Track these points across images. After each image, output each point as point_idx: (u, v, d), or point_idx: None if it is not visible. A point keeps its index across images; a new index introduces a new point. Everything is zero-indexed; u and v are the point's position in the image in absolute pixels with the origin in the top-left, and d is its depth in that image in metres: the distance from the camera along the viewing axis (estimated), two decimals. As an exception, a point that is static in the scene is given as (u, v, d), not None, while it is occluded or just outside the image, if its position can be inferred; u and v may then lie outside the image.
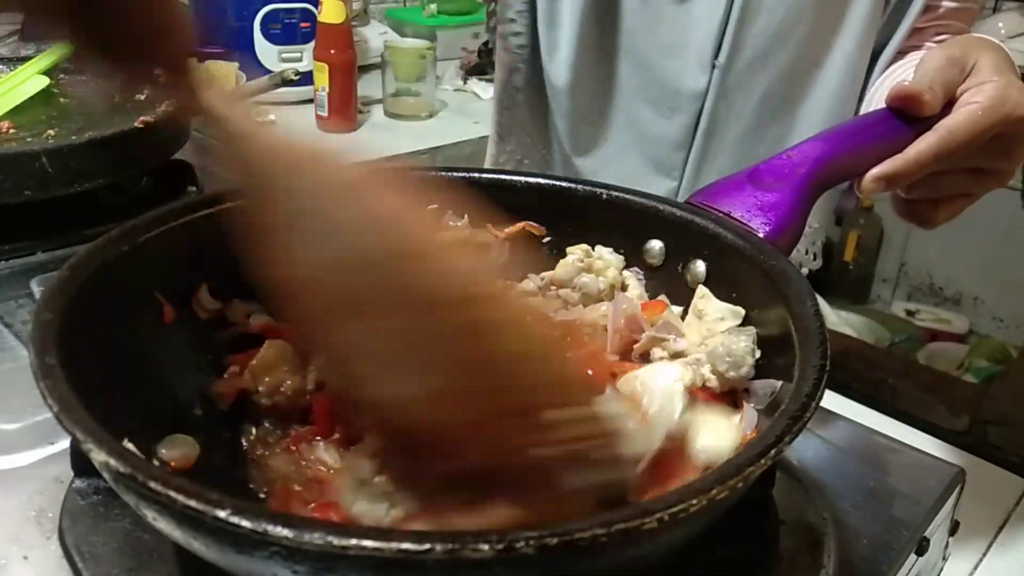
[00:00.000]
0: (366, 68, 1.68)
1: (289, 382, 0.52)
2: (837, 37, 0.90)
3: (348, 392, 0.44)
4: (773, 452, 0.37)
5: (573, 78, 0.98)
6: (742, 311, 0.54)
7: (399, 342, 0.38)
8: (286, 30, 1.65)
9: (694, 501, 0.34)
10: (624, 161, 1.01)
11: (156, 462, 0.45)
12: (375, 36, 1.90)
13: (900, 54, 0.90)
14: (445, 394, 0.38)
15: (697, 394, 0.50)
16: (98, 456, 0.34)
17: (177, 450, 0.46)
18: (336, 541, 0.31)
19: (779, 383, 0.48)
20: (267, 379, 0.52)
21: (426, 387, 0.38)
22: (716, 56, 0.91)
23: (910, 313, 2.30)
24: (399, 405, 0.39)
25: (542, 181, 0.64)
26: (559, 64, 0.98)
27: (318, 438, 0.50)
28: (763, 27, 0.89)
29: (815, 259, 1.09)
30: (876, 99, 0.91)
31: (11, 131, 0.85)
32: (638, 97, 0.97)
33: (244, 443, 0.52)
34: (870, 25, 0.89)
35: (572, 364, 0.45)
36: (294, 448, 0.50)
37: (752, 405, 0.49)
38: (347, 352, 0.40)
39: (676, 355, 0.54)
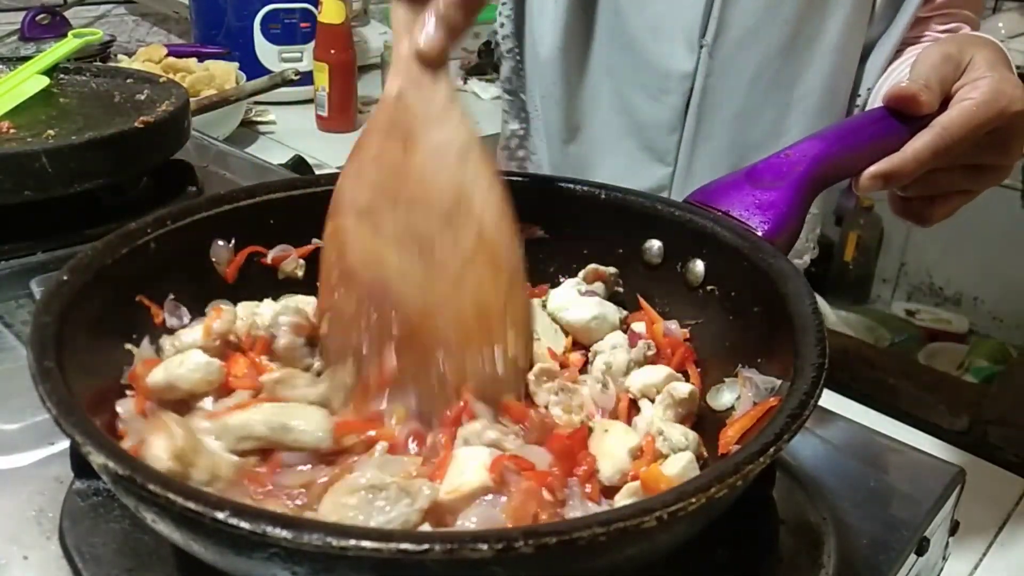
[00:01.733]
0: (366, 68, 1.68)
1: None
2: (827, 16, 0.89)
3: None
4: (772, 450, 0.37)
5: (562, 65, 0.98)
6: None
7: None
8: (286, 30, 1.65)
9: (693, 499, 0.34)
10: (617, 148, 1.01)
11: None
12: (375, 36, 1.90)
13: (903, 45, 0.90)
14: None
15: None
16: (97, 459, 0.34)
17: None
18: (335, 542, 0.31)
19: (779, 381, 0.48)
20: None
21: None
22: (703, 36, 0.91)
23: (910, 313, 2.30)
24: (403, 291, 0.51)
25: (541, 181, 0.64)
26: (547, 52, 0.98)
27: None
28: (748, 6, 0.89)
29: (814, 248, 1.09)
30: (876, 99, 0.91)
31: (11, 131, 0.85)
32: (628, 81, 0.97)
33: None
34: (858, 5, 0.89)
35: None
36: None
37: (752, 398, 0.49)
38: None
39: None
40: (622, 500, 0.45)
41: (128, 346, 0.49)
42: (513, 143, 1.10)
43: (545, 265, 0.64)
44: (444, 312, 0.50)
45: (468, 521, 0.41)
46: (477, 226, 0.51)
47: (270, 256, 0.59)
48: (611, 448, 0.48)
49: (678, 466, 0.45)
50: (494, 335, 0.51)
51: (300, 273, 0.60)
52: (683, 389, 0.52)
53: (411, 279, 0.50)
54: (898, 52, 0.91)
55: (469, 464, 0.43)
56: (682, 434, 0.49)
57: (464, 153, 0.51)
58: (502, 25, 1.05)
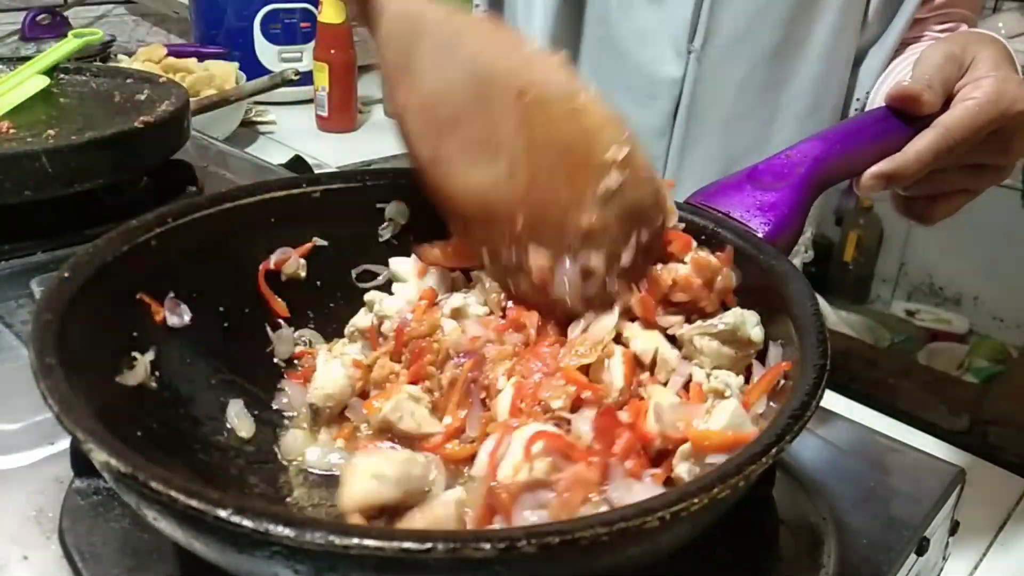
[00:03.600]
0: (366, 68, 1.68)
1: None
2: (815, 21, 0.89)
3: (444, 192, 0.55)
4: (774, 451, 0.37)
5: None
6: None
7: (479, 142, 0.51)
8: (286, 30, 1.65)
9: (695, 500, 0.34)
10: None
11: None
12: (375, 36, 1.90)
13: (902, 45, 0.90)
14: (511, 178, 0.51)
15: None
16: (99, 456, 0.34)
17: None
18: (338, 540, 0.31)
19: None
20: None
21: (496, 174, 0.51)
22: (691, 42, 0.91)
23: (910, 313, 2.30)
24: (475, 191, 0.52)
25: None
26: None
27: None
28: (737, 11, 0.89)
29: (807, 251, 1.09)
30: (878, 99, 0.90)
31: (11, 131, 0.85)
32: (617, 86, 0.97)
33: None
34: (848, 9, 0.89)
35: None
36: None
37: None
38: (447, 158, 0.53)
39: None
40: (679, 463, 0.44)
41: (135, 354, 0.49)
42: None
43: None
44: (539, 188, 0.51)
45: (524, 516, 0.41)
46: (506, 94, 0.50)
47: (272, 260, 0.59)
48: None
49: (724, 416, 0.44)
50: (589, 177, 0.50)
51: (303, 274, 0.60)
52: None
53: (497, 181, 0.51)
54: (898, 51, 0.91)
55: (515, 448, 0.43)
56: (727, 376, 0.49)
57: (453, 40, 0.52)
58: None
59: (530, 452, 0.42)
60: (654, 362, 0.52)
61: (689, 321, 0.53)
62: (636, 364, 0.51)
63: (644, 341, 0.52)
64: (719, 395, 0.49)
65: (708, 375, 0.50)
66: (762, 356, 0.51)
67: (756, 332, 0.51)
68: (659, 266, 0.53)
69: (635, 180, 0.50)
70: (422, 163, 0.55)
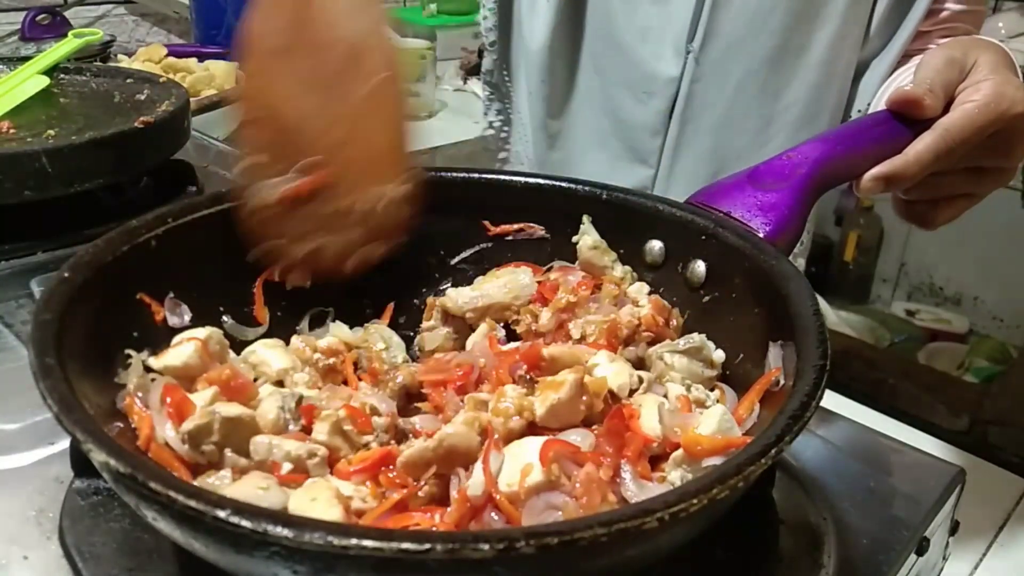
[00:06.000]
0: (366, 68, 1.67)
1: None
2: (815, 29, 0.89)
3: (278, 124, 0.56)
4: (774, 451, 0.37)
5: (550, 63, 0.98)
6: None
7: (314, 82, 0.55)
8: (286, 30, 1.65)
9: (694, 501, 0.34)
10: (601, 147, 1.01)
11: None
12: (375, 36, 1.90)
13: (905, 56, 0.90)
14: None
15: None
16: (98, 456, 0.34)
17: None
18: (336, 541, 0.31)
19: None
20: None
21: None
22: (690, 41, 0.92)
23: (910, 313, 2.30)
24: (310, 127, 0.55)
25: (542, 181, 0.64)
26: (536, 49, 0.98)
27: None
28: (737, 13, 0.90)
29: (805, 232, 1.09)
30: (879, 107, 0.90)
31: (11, 131, 0.85)
32: (615, 82, 0.98)
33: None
34: (850, 20, 0.89)
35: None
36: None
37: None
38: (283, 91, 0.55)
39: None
40: (671, 470, 0.45)
41: (129, 351, 0.49)
42: (497, 135, 1.11)
43: (545, 265, 0.64)
44: (343, 152, 0.55)
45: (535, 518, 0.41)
46: (372, 75, 0.54)
47: (276, 273, 0.59)
48: (650, 420, 0.48)
49: (712, 423, 0.45)
50: (385, 176, 0.56)
51: (307, 283, 0.60)
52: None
53: (316, 121, 0.55)
54: (901, 61, 0.91)
55: (525, 458, 0.43)
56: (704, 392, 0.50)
57: (361, 5, 0.56)
58: (485, 18, 1.05)
59: (548, 458, 0.42)
60: (630, 393, 0.52)
61: (651, 344, 0.55)
62: (612, 397, 0.51)
63: (617, 376, 0.51)
64: (700, 405, 0.49)
65: (688, 386, 0.50)
66: (763, 356, 0.51)
67: (717, 354, 0.54)
68: (621, 312, 0.56)
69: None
70: (266, 47, 0.56)
